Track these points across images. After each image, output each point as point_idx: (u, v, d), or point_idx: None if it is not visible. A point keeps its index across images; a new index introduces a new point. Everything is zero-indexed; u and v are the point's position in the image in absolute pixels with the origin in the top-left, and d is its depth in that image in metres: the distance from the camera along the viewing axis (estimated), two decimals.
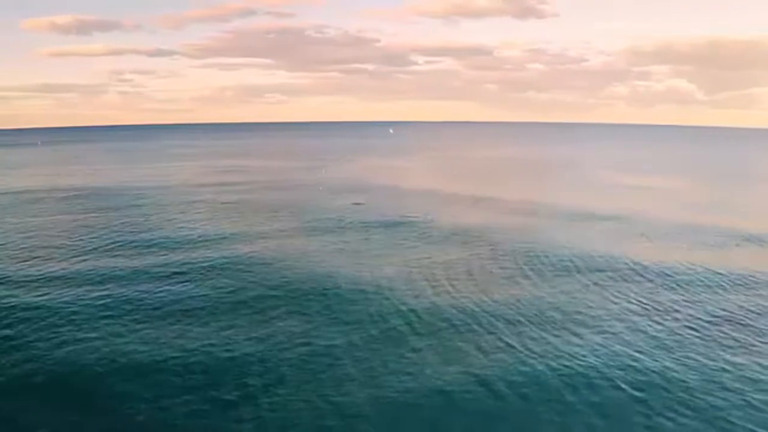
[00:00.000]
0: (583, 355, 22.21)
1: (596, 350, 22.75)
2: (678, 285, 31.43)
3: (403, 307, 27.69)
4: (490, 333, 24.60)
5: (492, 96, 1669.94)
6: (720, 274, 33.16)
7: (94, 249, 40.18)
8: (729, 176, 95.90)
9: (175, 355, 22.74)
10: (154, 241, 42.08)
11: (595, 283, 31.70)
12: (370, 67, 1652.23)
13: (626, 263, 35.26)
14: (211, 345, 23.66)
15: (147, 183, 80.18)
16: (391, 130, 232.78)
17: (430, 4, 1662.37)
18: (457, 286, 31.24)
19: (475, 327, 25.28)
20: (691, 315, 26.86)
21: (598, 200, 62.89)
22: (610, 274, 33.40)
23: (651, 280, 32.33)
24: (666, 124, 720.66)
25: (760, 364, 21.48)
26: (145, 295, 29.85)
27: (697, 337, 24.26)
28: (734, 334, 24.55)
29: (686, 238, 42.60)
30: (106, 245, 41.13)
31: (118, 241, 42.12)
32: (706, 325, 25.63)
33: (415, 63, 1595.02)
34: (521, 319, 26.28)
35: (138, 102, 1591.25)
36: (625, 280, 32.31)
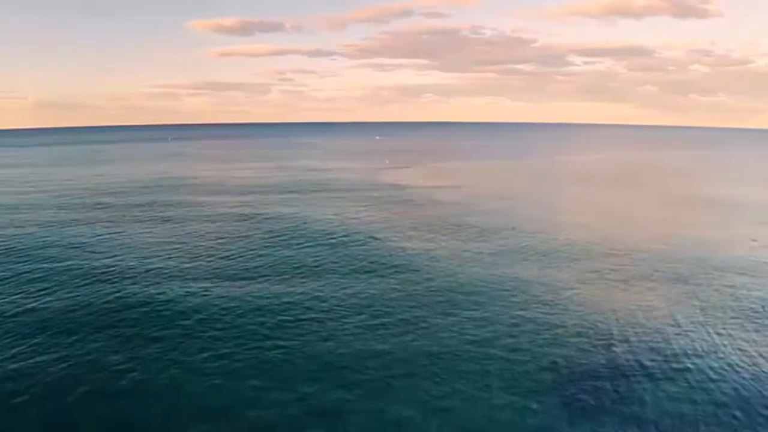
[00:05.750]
0: None
1: None
2: None
3: None
4: None
5: (652, 98, 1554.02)
6: None
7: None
8: None
9: None
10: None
11: None
12: (526, 67, 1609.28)
13: None
14: None
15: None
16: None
17: (586, 3, 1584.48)
18: None
19: None
20: None
21: None
22: None
23: None
24: None
25: None
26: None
27: None
28: None
29: None
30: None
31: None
32: None
33: (573, 63, 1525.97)
34: None
35: (299, 101, 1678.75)
36: None
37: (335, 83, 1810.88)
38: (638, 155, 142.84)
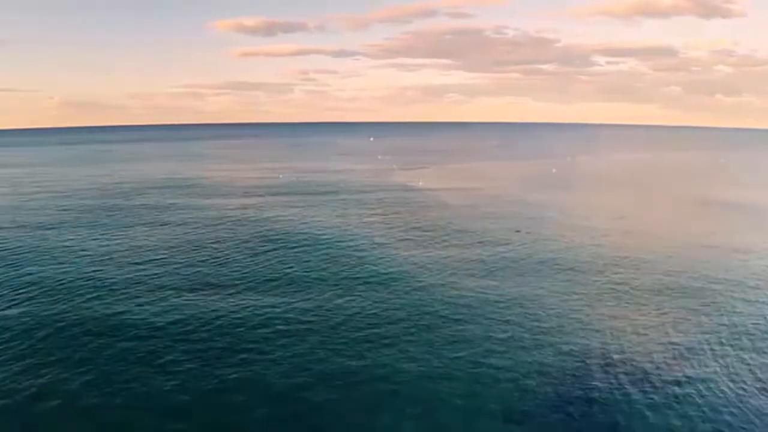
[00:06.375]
0: None
1: None
2: None
3: None
4: None
5: (676, 98, 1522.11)
6: None
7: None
8: None
9: None
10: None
11: None
12: (549, 67, 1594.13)
13: None
14: None
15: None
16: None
17: (611, 3, 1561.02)
18: None
19: None
20: None
21: None
22: None
23: None
24: None
25: None
26: None
27: None
28: None
29: None
30: None
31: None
32: None
33: (597, 64, 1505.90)
34: None
35: (322, 101, 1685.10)
36: None
37: (358, 83, 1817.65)
38: (660, 156, 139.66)
